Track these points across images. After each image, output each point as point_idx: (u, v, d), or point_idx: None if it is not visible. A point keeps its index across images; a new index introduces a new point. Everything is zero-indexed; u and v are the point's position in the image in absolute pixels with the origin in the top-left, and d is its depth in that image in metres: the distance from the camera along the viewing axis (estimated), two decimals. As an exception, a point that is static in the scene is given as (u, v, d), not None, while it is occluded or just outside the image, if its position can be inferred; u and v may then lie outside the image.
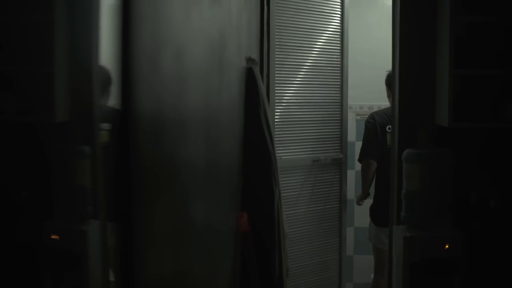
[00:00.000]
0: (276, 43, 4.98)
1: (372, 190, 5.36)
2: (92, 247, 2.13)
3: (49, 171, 2.12)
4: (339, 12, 5.45)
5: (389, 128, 4.98)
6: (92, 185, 2.14)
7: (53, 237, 2.10)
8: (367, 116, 5.48)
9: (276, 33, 4.98)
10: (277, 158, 3.92)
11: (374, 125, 5.18)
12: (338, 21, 5.46)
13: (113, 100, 1.83)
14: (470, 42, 3.87)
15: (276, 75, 4.99)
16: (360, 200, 5.52)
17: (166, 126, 1.48)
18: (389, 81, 5.19)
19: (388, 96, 5.25)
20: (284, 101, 5.11)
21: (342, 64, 5.49)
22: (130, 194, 1.16)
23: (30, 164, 2.11)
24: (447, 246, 3.76)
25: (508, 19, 3.77)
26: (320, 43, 5.36)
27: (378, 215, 5.21)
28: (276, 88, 4.99)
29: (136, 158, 1.20)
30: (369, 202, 5.40)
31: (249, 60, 3.56)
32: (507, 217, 3.94)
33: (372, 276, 5.47)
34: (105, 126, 2.01)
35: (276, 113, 4.97)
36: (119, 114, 1.14)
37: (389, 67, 4.92)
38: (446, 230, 3.84)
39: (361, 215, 5.75)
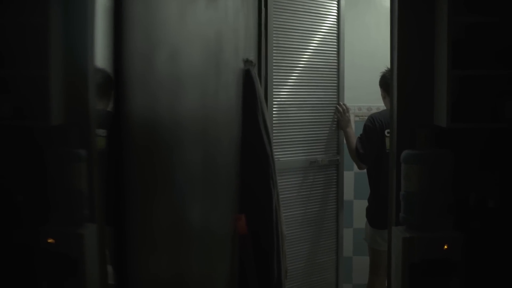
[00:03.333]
0: (274, 44, 4.98)
1: (365, 192, 5.37)
2: (89, 250, 2.12)
3: (45, 175, 2.11)
4: (336, 14, 5.46)
5: (387, 132, 4.97)
6: (88, 188, 2.13)
7: (49, 241, 2.09)
8: (365, 117, 5.47)
9: (274, 35, 4.98)
10: (275, 159, 3.91)
11: (373, 129, 5.16)
12: (335, 23, 5.46)
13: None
14: (468, 42, 3.87)
15: (274, 77, 4.99)
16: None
17: (161, 127, 1.47)
18: (383, 82, 5.20)
19: (384, 98, 5.26)
20: (282, 102, 5.10)
21: (338, 65, 5.49)
22: (124, 197, 1.15)
23: (25, 167, 2.10)
24: (446, 247, 3.76)
25: (506, 19, 3.77)
26: (316, 44, 5.36)
27: (374, 218, 5.22)
28: (273, 89, 4.99)
29: (130, 159, 1.19)
30: (366, 203, 5.40)
31: (247, 61, 3.55)
32: (506, 217, 3.94)
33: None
34: (101, 131, 2.00)
35: (273, 115, 4.96)
36: (112, 116, 1.13)
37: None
38: (445, 230, 3.84)
39: (359, 216, 5.74)
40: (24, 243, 2.07)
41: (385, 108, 5.32)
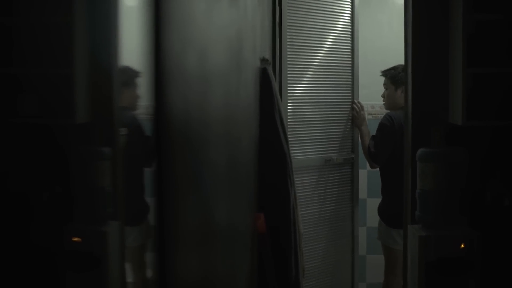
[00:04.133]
0: (288, 43, 4.98)
1: (379, 190, 5.36)
2: (111, 248, 2.13)
3: (69, 173, 2.12)
4: (349, 12, 5.46)
5: None
6: (112, 186, 2.14)
7: (74, 239, 2.10)
8: (379, 115, 5.47)
9: (288, 33, 4.98)
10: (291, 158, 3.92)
11: (390, 127, 5.11)
12: (349, 21, 5.47)
13: (139, 94, 1.83)
14: (483, 40, 3.86)
15: (288, 75, 4.99)
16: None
17: (192, 126, 1.47)
18: (393, 74, 5.21)
19: (390, 94, 5.24)
20: (296, 100, 5.11)
21: (352, 63, 5.49)
22: (162, 196, 1.16)
23: (50, 166, 2.11)
24: (462, 245, 3.75)
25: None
26: (330, 42, 5.36)
27: (389, 216, 5.19)
28: (288, 88, 5.00)
29: (168, 158, 1.20)
30: (378, 202, 5.39)
31: (263, 60, 3.56)
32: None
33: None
34: (123, 130, 2.01)
35: (288, 113, 4.97)
36: (152, 114, 1.13)
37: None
38: (461, 229, 3.83)
39: (373, 214, 5.73)
40: (49, 241, 2.07)
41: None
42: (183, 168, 1.37)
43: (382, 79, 5.37)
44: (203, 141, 1.63)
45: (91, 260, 2.09)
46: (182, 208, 1.36)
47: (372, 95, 6.04)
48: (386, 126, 5.14)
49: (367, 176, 6.29)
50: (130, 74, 1.89)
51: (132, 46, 1.70)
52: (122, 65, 1.89)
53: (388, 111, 5.31)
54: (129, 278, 2.19)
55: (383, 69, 5.36)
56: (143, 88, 1.42)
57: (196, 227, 1.53)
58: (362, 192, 6.24)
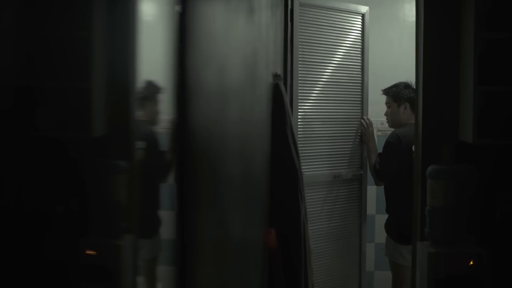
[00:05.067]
0: (299, 59, 5.00)
1: (382, 204, 5.38)
2: (125, 261, 2.14)
3: (85, 186, 2.13)
4: (360, 28, 5.47)
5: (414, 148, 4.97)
6: (127, 200, 2.15)
7: (89, 252, 2.11)
8: (388, 131, 5.47)
9: (299, 49, 5.00)
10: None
11: (397, 146, 5.10)
12: (359, 37, 5.48)
13: (160, 109, 1.85)
14: (495, 58, 3.87)
15: (299, 91, 5.01)
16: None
17: (209, 142, 1.49)
18: (396, 92, 5.23)
19: (404, 110, 5.25)
20: (306, 116, 5.12)
21: (362, 80, 5.50)
22: (183, 210, 1.17)
23: (66, 179, 2.13)
24: (471, 263, 3.75)
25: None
26: (340, 58, 5.37)
27: (398, 233, 5.19)
28: (299, 103, 5.01)
29: (190, 172, 1.21)
30: (385, 217, 5.38)
31: (275, 76, 3.57)
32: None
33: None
34: (141, 144, 2.02)
35: (298, 128, 4.97)
36: (175, 129, 1.15)
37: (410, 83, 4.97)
38: (471, 246, 3.83)
39: (381, 231, 5.71)
40: (64, 254, 2.08)
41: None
42: (203, 183, 1.39)
43: (392, 96, 5.38)
44: (220, 156, 1.64)
45: (105, 273, 2.10)
46: (201, 222, 1.37)
47: (381, 112, 6.03)
48: (393, 144, 5.13)
49: (376, 193, 6.28)
50: (152, 89, 1.91)
51: (154, 61, 1.71)
52: (144, 80, 1.91)
53: (393, 129, 5.32)
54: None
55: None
56: (165, 103, 1.43)
57: (214, 242, 1.54)
58: (371, 208, 6.23)
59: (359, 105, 5.49)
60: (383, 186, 5.40)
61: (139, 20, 1.94)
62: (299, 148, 4.74)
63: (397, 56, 6.21)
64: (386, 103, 5.34)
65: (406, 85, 5.21)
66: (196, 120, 1.25)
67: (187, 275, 1.18)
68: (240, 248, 2.07)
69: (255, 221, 2.58)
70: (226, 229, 1.73)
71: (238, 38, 1.96)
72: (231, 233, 1.84)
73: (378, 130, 6.28)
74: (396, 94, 5.25)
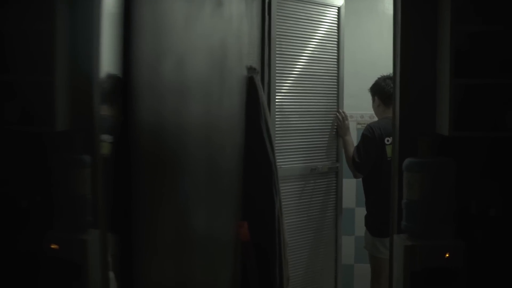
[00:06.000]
0: (277, 52, 4.98)
1: (362, 197, 5.40)
2: (92, 256, 2.12)
3: (49, 180, 2.11)
4: (336, 21, 5.45)
5: (387, 140, 4.99)
6: (92, 194, 2.13)
7: (53, 246, 2.09)
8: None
9: (277, 42, 4.97)
10: (277, 167, 3.91)
11: (372, 138, 5.15)
12: (335, 30, 5.45)
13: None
14: (471, 51, 3.86)
15: (276, 84, 4.98)
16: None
17: (167, 134, 1.47)
18: (378, 88, 5.24)
19: (378, 106, 5.28)
20: (283, 109, 5.10)
21: (338, 73, 5.48)
22: (130, 204, 1.15)
23: (30, 173, 2.10)
24: (447, 255, 3.75)
25: (509, 28, 3.77)
26: (317, 52, 5.35)
27: (374, 226, 5.21)
28: (276, 96, 4.99)
29: (138, 166, 1.20)
30: (364, 211, 5.40)
31: (250, 69, 3.56)
32: (508, 226, 3.93)
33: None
34: (107, 137, 2.00)
35: (276, 122, 4.96)
36: (121, 122, 1.13)
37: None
38: (447, 239, 3.83)
39: (361, 223, 5.72)
40: (29, 249, 2.06)
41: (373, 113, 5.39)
42: (157, 175, 1.37)
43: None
44: (181, 148, 1.63)
45: (71, 268, 2.08)
46: (156, 215, 1.36)
47: (361, 105, 6.04)
48: (367, 136, 5.19)
49: (356, 186, 6.28)
50: (118, 83, 1.89)
51: (104, 54, 1.70)
52: (110, 73, 1.88)
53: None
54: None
55: (372, 79, 5.38)
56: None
57: (172, 234, 1.53)
58: (351, 202, 6.23)
59: (335, 98, 5.48)
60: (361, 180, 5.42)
61: (103, 12, 1.91)
62: (276, 141, 4.74)
63: (376, 49, 6.20)
64: (375, 103, 5.37)
65: (384, 78, 5.23)
66: (144, 112, 1.24)
67: (135, 271, 1.17)
68: (206, 241, 2.06)
69: (225, 214, 2.57)
70: (187, 221, 1.72)
71: (202, 31, 1.95)
72: (194, 226, 1.83)
73: (358, 123, 6.28)
74: (371, 88, 5.29)
